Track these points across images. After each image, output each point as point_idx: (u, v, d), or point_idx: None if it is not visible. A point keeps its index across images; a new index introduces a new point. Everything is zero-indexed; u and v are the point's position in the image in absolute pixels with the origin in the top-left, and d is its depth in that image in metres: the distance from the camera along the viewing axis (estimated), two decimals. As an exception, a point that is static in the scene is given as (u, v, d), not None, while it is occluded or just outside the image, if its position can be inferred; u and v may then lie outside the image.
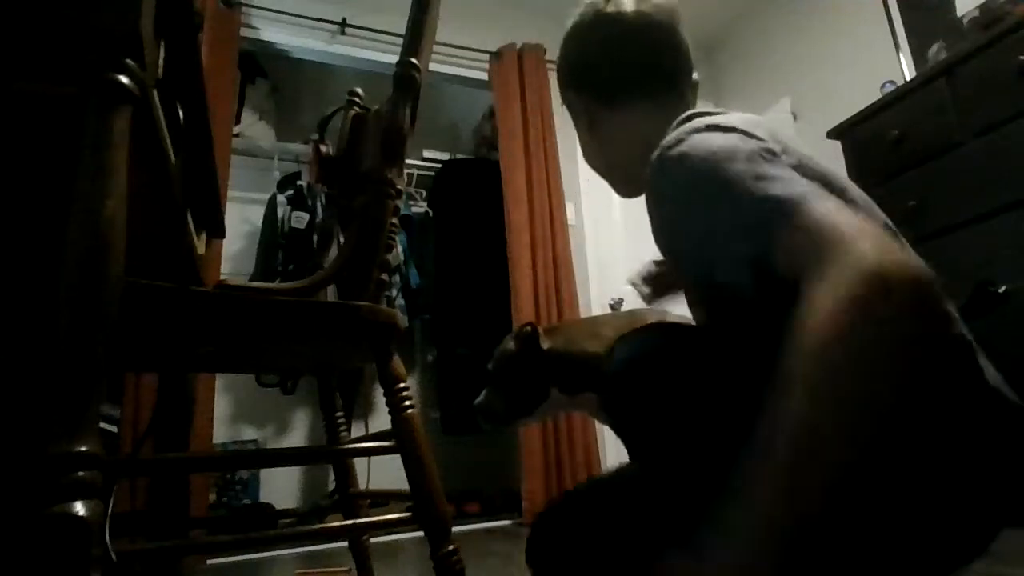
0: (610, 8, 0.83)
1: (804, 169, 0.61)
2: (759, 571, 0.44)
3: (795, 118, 3.08)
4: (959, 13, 2.26)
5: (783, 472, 0.44)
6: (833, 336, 0.44)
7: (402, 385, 0.86)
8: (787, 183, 0.55)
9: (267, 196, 2.94)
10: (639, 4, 0.82)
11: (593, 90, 0.86)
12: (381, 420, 2.91)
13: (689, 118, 0.71)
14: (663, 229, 0.67)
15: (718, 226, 0.58)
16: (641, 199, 0.74)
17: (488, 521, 2.64)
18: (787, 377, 0.45)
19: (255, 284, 0.81)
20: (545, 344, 0.93)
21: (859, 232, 0.48)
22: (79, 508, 0.45)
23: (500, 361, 0.96)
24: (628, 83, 0.84)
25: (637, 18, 0.82)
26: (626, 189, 0.91)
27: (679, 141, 0.63)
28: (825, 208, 0.51)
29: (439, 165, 3.35)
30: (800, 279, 0.49)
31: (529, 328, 0.93)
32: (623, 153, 0.87)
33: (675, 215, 0.64)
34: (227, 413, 2.86)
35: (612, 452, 2.75)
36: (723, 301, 0.64)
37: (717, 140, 0.61)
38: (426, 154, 3.37)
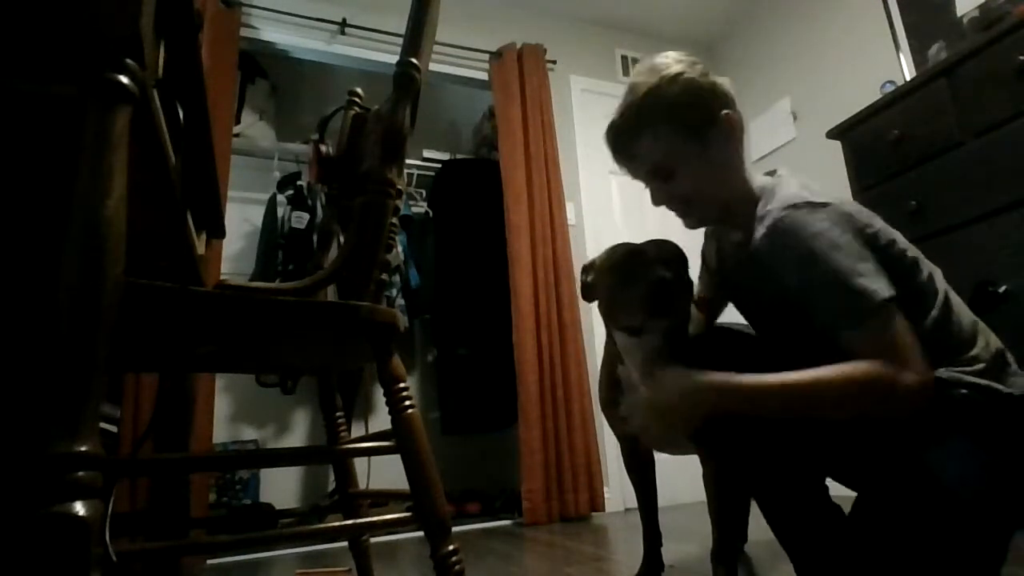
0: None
1: (876, 239, 0.89)
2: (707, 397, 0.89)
3: (795, 118, 3.08)
4: (959, 13, 2.26)
5: (749, 391, 0.86)
6: (839, 385, 0.81)
7: (402, 385, 0.86)
8: (874, 284, 0.82)
9: (267, 196, 2.94)
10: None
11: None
12: (381, 420, 2.90)
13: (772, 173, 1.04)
14: (774, 278, 0.93)
15: (821, 301, 0.87)
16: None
17: (488, 521, 2.64)
18: (801, 374, 0.83)
19: (255, 284, 0.81)
20: None
21: (908, 360, 0.79)
22: (79, 508, 0.45)
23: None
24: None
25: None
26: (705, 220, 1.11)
27: (786, 215, 0.89)
28: (896, 328, 0.81)
29: (439, 165, 3.35)
30: (853, 356, 0.81)
31: None
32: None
33: (792, 279, 0.90)
34: (227, 413, 2.86)
35: (612, 451, 2.75)
36: (804, 331, 0.92)
37: (818, 224, 0.87)
38: (426, 154, 3.36)
